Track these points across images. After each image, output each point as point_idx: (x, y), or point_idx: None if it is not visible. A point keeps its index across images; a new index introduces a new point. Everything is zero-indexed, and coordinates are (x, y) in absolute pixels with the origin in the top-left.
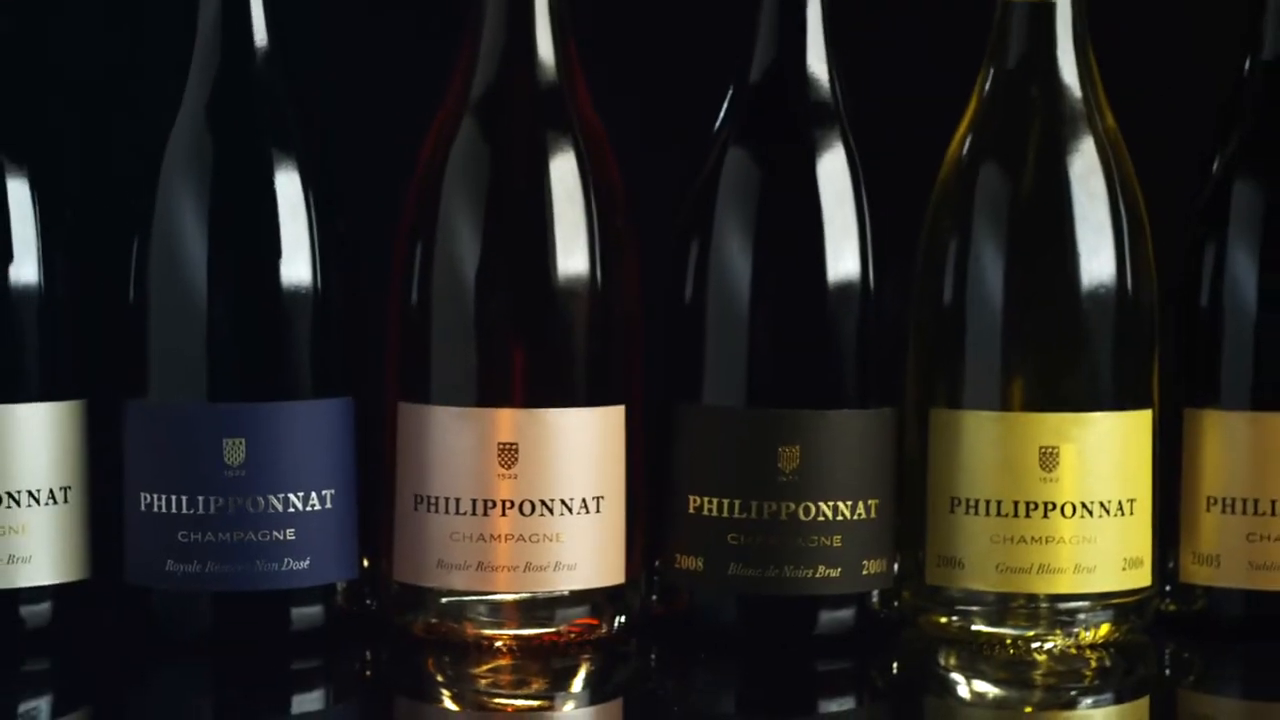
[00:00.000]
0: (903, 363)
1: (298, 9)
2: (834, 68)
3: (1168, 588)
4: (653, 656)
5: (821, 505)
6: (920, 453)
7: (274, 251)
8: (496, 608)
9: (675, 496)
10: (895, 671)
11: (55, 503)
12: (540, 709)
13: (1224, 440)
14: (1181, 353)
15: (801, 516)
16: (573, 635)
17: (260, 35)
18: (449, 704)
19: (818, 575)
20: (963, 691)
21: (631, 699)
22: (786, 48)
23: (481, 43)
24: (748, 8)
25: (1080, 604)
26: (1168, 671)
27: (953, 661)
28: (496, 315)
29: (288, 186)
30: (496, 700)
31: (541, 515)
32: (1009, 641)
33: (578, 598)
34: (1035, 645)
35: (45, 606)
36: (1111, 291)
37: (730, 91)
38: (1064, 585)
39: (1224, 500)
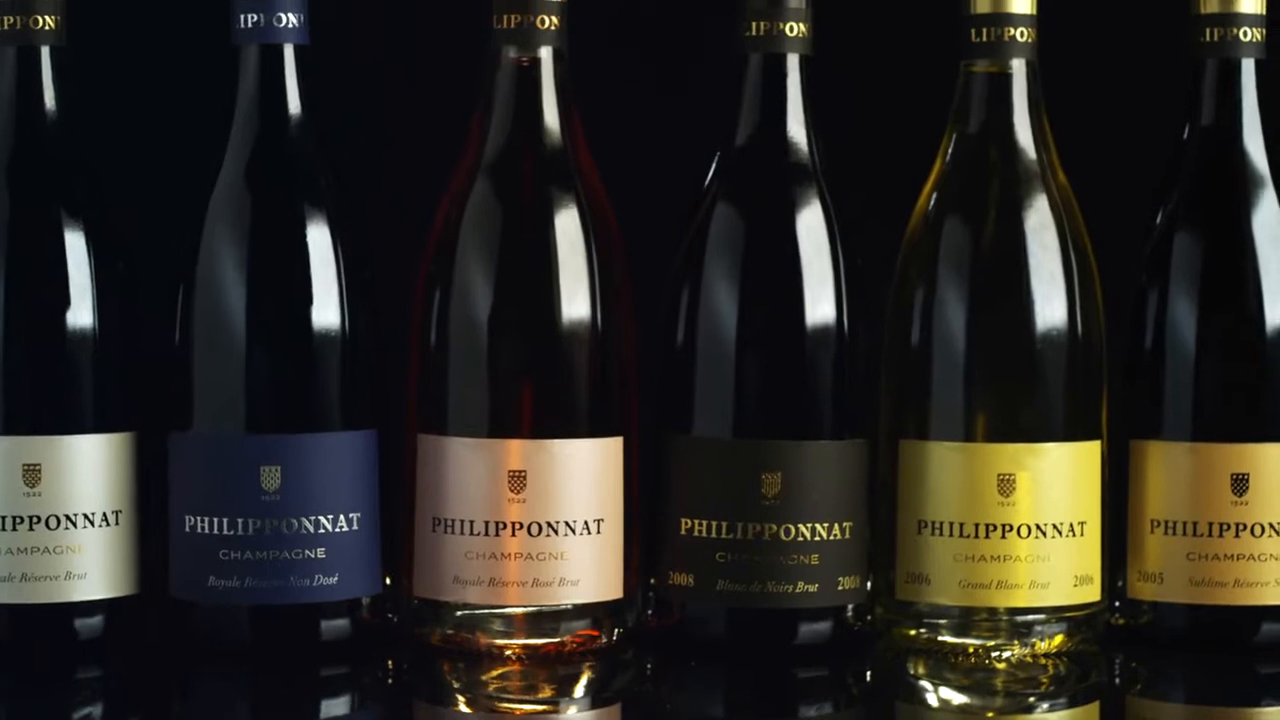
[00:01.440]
0: (875, 398)
1: (329, 82)
2: (811, 131)
3: (1117, 603)
4: (648, 665)
5: (801, 527)
6: (890, 479)
7: (306, 298)
8: (507, 620)
9: (668, 519)
10: (869, 679)
11: (108, 525)
12: (546, 712)
13: (1166, 468)
14: (1128, 389)
15: (783, 537)
16: (576, 645)
17: (294, 105)
18: (463, 708)
19: (798, 590)
20: (930, 698)
21: (629, 703)
22: (768, 115)
23: (494, 112)
24: (734, 79)
25: (1036, 617)
26: (1117, 680)
27: (921, 670)
28: (507, 355)
29: (318, 240)
30: (506, 704)
31: (548, 536)
32: (972, 651)
33: (580, 611)
34: (996, 655)
35: (98, 619)
36: (1063, 335)
37: (718, 154)
38: (1021, 600)
39: (1166, 523)
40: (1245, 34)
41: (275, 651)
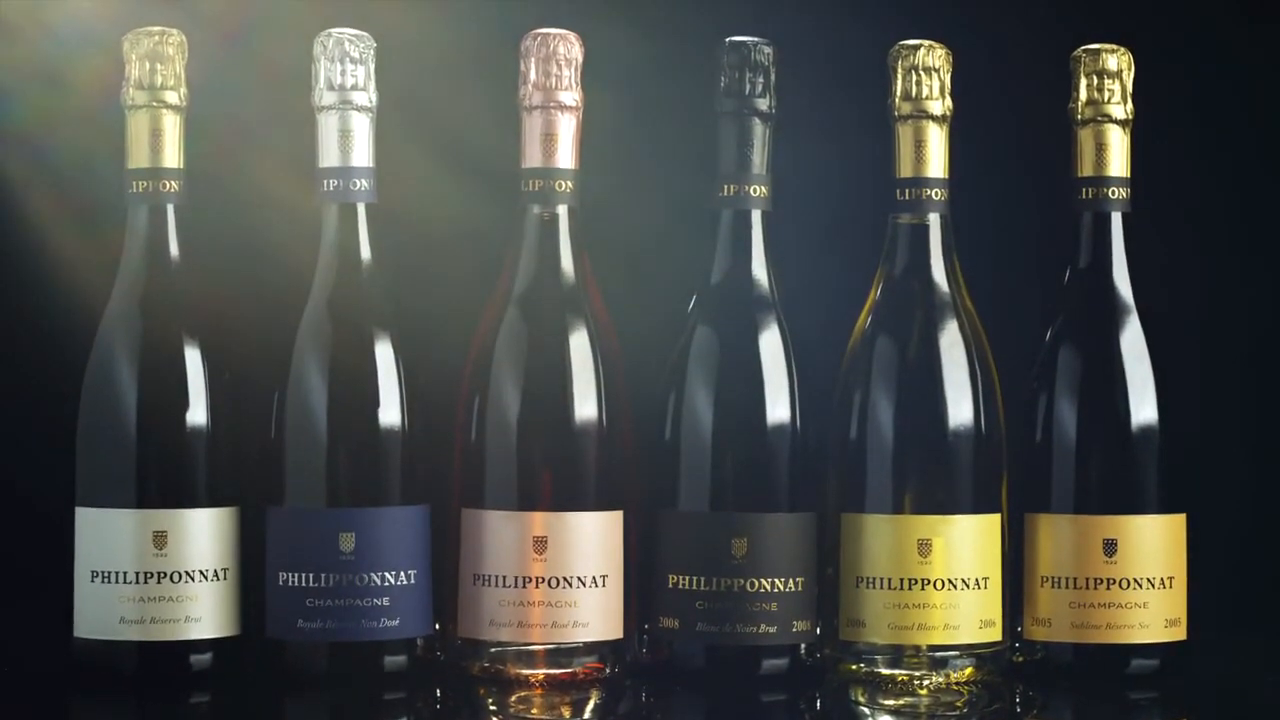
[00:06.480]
0: (823, 479)
1: (391, 233)
2: (771, 271)
3: (1017, 644)
4: (644, 692)
5: (763, 581)
6: (835, 544)
7: (374, 402)
8: (531, 654)
9: (658, 575)
10: (819, 704)
11: (218, 579)
12: None
13: (1053, 535)
14: (1022, 472)
15: (749, 589)
16: (586, 675)
17: (365, 250)
18: None
19: (760, 631)
20: None
21: None
22: (737, 258)
23: (521, 255)
24: (710, 232)
25: (950, 653)
26: (1018, 706)
27: (861, 697)
28: (532, 447)
29: (383, 355)
30: None
31: (564, 588)
32: (901, 680)
33: (589, 648)
34: (919, 683)
35: (208, 655)
36: (970, 429)
37: (697, 289)
38: (937, 639)
39: (1053, 578)
40: (1114, 192)
41: (348, 681)
